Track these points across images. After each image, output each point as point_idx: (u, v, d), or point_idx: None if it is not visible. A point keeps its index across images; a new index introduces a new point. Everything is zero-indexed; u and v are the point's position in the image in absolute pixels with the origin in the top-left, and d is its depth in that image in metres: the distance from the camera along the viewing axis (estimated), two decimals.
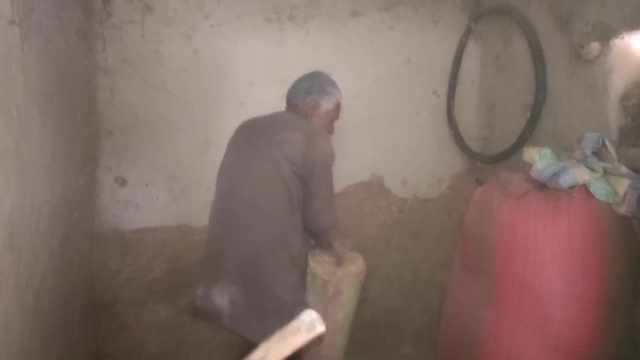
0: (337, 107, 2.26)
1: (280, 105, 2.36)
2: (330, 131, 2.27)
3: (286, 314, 1.88)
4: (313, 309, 2.16)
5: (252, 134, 2.16)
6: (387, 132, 3.29)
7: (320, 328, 1.10)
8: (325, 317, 2.23)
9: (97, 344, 2.68)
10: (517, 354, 1.88)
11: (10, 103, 1.48)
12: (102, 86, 2.78)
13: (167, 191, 2.93)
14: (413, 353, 3.19)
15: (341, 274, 2.22)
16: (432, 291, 3.23)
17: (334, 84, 2.26)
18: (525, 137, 2.60)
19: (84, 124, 2.46)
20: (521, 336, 1.88)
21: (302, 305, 2.07)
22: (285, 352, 1.11)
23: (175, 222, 2.92)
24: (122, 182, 2.85)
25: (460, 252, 2.28)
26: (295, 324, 1.12)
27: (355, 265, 2.31)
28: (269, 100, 2.63)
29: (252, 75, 3.01)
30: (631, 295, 1.91)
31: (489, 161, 2.99)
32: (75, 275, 2.24)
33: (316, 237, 2.21)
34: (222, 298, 1.95)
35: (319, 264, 2.22)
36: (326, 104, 2.21)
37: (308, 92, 2.20)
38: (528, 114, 2.60)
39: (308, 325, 1.10)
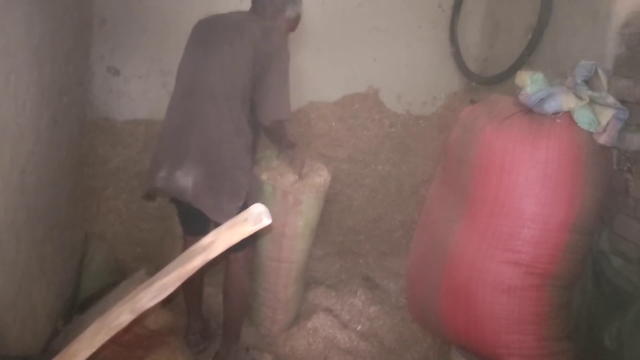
0: (298, 18, 2.37)
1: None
2: None
3: (240, 195, 2.10)
4: (274, 216, 2.31)
5: (210, 28, 2.25)
6: (388, 45, 3.24)
7: (266, 221, 1.17)
8: (285, 224, 2.40)
9: (86, 225, 2.80)
10: (479, 266, 1.98)
11: None
12: None
13: (161, 85, 2.93)
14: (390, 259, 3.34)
15: (301, 186, 2.31)
16: (414, 205, 3.32)
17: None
18: (523, 61, 2.57)
19: (75, 9, 2.41)
20: (485, 250, 1.97)
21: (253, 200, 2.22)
22: (233, 239, 1.18)
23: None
24: (114, 71, 2.84)
25: (441, 167, 2.33)
26: (243, 214, 1.18)
27: (318, 178, 2.40)
28: None
29: None
30: (596, 222, 1.99)
31: (484, 82, 2.97)
32: (63, 158, 2.29)
33: (270, 133, 2.31)
34: (186, 179, 2.10)
35: (280, 175, 2.33)
36: (290, 11, 2.31)
37: None
38: (529, 36, 2.54)
39: (255, 217, 1.17)
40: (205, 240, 1.18)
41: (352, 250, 3.33)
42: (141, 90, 2.89)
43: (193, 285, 2.46)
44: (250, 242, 2.31)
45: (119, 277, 2.60)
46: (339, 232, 3.33)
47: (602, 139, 1.89)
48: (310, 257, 2.72)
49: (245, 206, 2.13)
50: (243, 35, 2.13)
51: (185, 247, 2.38)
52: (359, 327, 2.70)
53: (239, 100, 2.13)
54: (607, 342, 1.90)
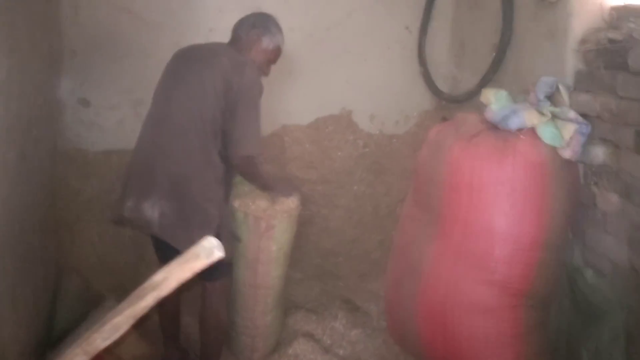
0: (277, 50, 2.34)
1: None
2: (266, 73, 2.36)
3: (211, 226, 2.08)
4: (246, 242, 2.32)
5: (185, 59, 2.26)
6: (359, 66, 3.28)
7: (218, 254, 1.17)
8: (258, 249, 2.40)
9: (61, 258, 2.75)
10: (454, 286, 1.99)
11: None
12: (65, 3, 2.70)
13: (133, 115, 2.91)
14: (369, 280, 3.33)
15: (273, 211, 2.32)
16: (391, 224, 3.32)
17: (278, 28, 2.35)
18: (489, 78, 2.62)
19: (45, 42, 2.41)
20: (460, 270, 1.98)
21: (230, 236, 2.24)
22: (184, 275, 1.18)
23: None
24: (85, 103, 2.83)
25: (412, 187, 2.36)
26: (195, 249, 1.18)
27: (290, 202, 2.41)
28: None
29: (222, 1, 2.95)
30: (567, 238, 2.01)
31: (453, 100, 3.02)
32: (34, 192, 2.26)
33: (241, 171, 2.30)
34: (152, 210, 2.09)
35: (251, 201, 2.34)
36: (267, 42, 2.29)
37: (253, 25, 2.30)
38: (493, 55, 2.60)
39: (207, 251, 1.17)
40: (157, 277, 1.17)
41: (331, 273, 3.33)
42: (113, 120, 2.88)
43: (169, 314, 2.44)
44: (228, 271, 2.30)
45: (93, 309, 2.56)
46: (317, 255, 3.33)
47: (567, 154, 1.93)
48: (288, 281, 2.71)
49: (217, 237, 2.16)
50: (213, 67, 2.14)
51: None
52: (341, 352, 2.68)
53: (209, 133, 2.12)
54: (586, 358, 1.90)
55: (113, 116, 2.88)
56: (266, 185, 2.39)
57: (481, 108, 2.20)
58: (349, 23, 3.20)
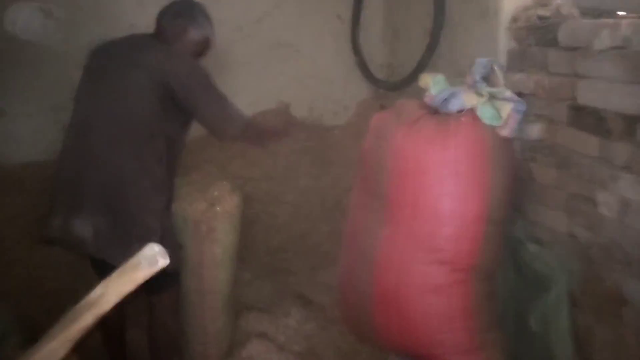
0: (205, 42, 2.19)
1: None
2: None
3: (153, 239, 1.88)
4: (188, 247, 2.23)
5: (105, 57, 2.08)
6: (292, 58, 3.23)
7: (162, 262, 1.08)
8: (202, 254, 2.31)
9: None
10: (406, 269, 1.99)
11: None
12: None
13: (53, 122, 2.71)
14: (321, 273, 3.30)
15: (212, 213, 2.24)
16: (339, 215, 3.30)
17: (207, 17, 2.18)
18: (425, 63, 2.63)
19: None
20: (410, 253, 1.98)
21: (176, 245, 2.12)
22: (126, 288, 1.08)
23: None
24: (0, 112, 2.61)
25: (358, 176, 2.33)
26: (135, 258, 1.08)
27: (229, 201, 2.32)
28: None
29: None
30: (509, 212, 2.05)
31: (391, 88, 3.02)
32: None
33: (244, 142, 2.31)
34: (84, 228, 1.93)
35: (189, 204, 2.24)
36: (193, 33, 2.13)
37: (177, 15, 2.13)
38: (427, 40, 2.61)
39: (150, 259, 1.07)
40: (94, 293, 1.06)
41: (281, 269, 3.26)
42: (30, 130, 2.67)
43: (112, 331, 2.28)
44: (175, 282, 2.17)
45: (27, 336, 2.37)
46: (266, 253, 3.26)
47: (505, 132, 1.96)
48: (237, 282, 2.62)
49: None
50: (138, 65, 1.97)
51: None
52: (297, 348, 2.64)
53: (142, 137, 1.96)
54: (534, 325, 1.96)
55: (30, 125, 2.68)
56: (274, 136, 2.39)
57: (420, 93, 2.19)
58: (278, 14, 3.13)
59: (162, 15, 2.16)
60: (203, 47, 2.18)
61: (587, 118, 1.74)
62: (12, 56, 2.60)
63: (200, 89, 2.00)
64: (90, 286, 2.66)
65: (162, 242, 1.96)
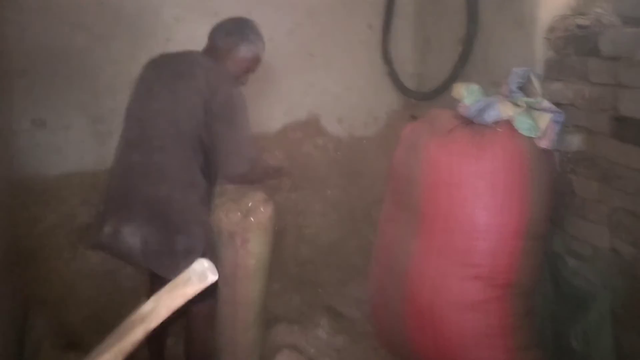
0: (255, 59, 2.19)
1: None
2: (243, 82, 2.22)
3: (198, 250, 1.94)
4: (223, 259, 2.23)
5: (157, 71, 2.10)
6: (323, 69, 3.23)
7: (212, 277, 1.07)
8: (236, 265, 2.30)
9: (26, 291, 2.59)
10: (440, 283, 1.96)
11: None
12: (11, 21, 2.54)
13: (92, 134, 2.79)
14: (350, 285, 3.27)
15: (247, 224, 2.23)
16: (368, 227, 3.28)
17: (258, 35, 2.19)
18: (457, 73, 2.61)
19: None
20: (444, 267, 1.95)
21: (216, 256, 2.10)
22: (176, 303, 1.08)
23: (103, 166, 2.78)
24: (40, 123, 2.68)
25: (389, 188, 2.31)
26: (186, 274, 1.08)
27: (263, 212, 2.31)
28: (197, 36, 2.47)
29: (178, 9, 2.85)
30: (548, 226, 2.00)
31: (423, 98, 2.99)
32: None
33: (246, 183, 2.24)
34: (133, 238, 1.94)
35: (224, 215, 2.24)
36: (244, 51, 2.14)
37: (229, 33, 2.14)
38: (460, 49, 2.59)
39: (199, 274, 1.07)
40: (145, 308, 1.07)
41: (310, 281, 3.24)
42: (70, 141, 2.73)
43: (156, 336, 2.30)
44: (213, 293, 2.17)
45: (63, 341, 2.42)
46: (295, 264, 3.24)
47: (543, 143, 1.92)
48: (267, 293, 2.62)
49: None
50: (187, 80, 1.99)
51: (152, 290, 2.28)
52: None
53: (189, 150, 1.98)
54: (574, 343, 1.90)
55: (69, 136, 2.74)
56: (273, 175, 2.39)
57: (452, 103, 2.17)
58: (309, 25, 3.14)
59: (215, 33, 2.17)
60: (253, 63, 2.20)
61: (631, 129, 1.69)
62: (52, 69, 2.67)
63: (227, 121, 2.00)
64: (126, 295, 2.72)
65: (205, 253, 2.00)
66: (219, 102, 1.97)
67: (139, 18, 2.79)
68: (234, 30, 2.14)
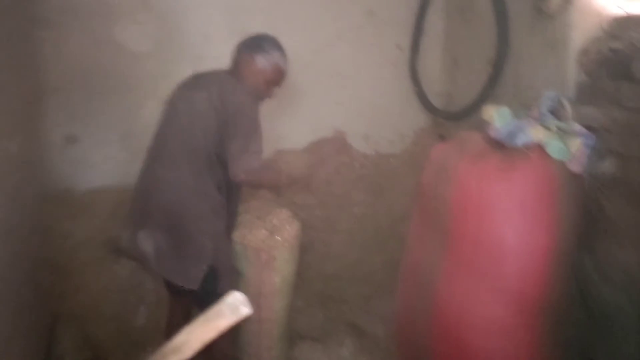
0: (276, 70, 2.22)
1: None
2: (267, 95, 2.26)
3: (205, 260, 2.05)
4: (248, 275, 2.24)
5: (181, 90, 2.21)
6: (350, 88, 3.25)
7: (245, 310, 1.08)
8: (261, 282, 2.31)
9: (55, 304, 2.64)
10: (468, 305, 1.93)
11: None
12: (46, 39, 2.62)
13: (123, 149, 2.84)
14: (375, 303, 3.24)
15: (272, 242, 2.25)
16: (394, 244, 3.25)
17: (275, 46, 2.22)
18: (487, 94, 2.59)
19: (25, 80, 2.32)
20: (473, 290, 1.93)
21: (230, 270, 2.18)
22: (208, 336, 1.09)
23: (133, 182, 2.84)
24: (72, 140, 2.74)
25: (417, 207, 2.30)
26: (218, 306, 1.09)
27: (289, 230, 2.32)
28: (227, 54, 2.52)
29: (208, 28, 2.90)
30: (578, 247, 1.96)
31: (451, 118, 2.98)
32: (24, 236, 2.16)
33: (252, 186, 2.27)
34: (147, 243, 2.07)
35: (249, 232, 2.26)
36: (261, 62, 2.17)
37: (246, 47, 2.21)
38: (490, 70, 2.57)
39: (232, 307, 1.08)
40: (178, 339, 1.08)
41: (334, 298, 3.23)
42: (102, 156, 2.79)
43: None
44: None
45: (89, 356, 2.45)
46: (319, 280, 3.24)
47: (574, 167, 1.89)
48: (291, 310, 2.62)
49: (214, 270, 2.08)
50: (201, 97, 2.08)
51: (171, 308, 2.36)
52: None
53: (202, 163, 2.07)
54: None
55: (101, 152, 2.80)
56: (276, 188, 2.35)
57: (480, 124, 2.15)
58: (337, 44, 3.17)
59: (235, 49, 2.25)
60: (274, 75, 2.21)
61: None
62: (85, 87, 2.73)
63: (236, 122, 2.04)
64: (151, 310, 2.74)
65: (216, 264, 2.03)
66: (230, 110, 2.03)
67: (170, 37, 2.86)
68: (250, 44, 2.21)
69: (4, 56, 2.09)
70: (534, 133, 1.90)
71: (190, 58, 2.84)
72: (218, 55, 2.58)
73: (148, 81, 2.82)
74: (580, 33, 2.02)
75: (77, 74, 2.71)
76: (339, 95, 3.23)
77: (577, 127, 1.92)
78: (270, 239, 2.31)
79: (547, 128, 1.93)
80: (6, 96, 2.09)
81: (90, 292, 2.70)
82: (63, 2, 2.61)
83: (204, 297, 2.18)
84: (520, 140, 1.91)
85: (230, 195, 2.18)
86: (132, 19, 2.75)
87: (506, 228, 1.88)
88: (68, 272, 2.69)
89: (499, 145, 2.01)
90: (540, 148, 1.90)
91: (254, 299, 2.32)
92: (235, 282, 2.21)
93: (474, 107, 2.67)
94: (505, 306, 1.87)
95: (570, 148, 1.89)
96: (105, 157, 2.80)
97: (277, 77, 2.24)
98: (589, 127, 1.93)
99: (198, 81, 2.20)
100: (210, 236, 2.08)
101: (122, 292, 2.75)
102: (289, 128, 3.19)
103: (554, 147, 1.88)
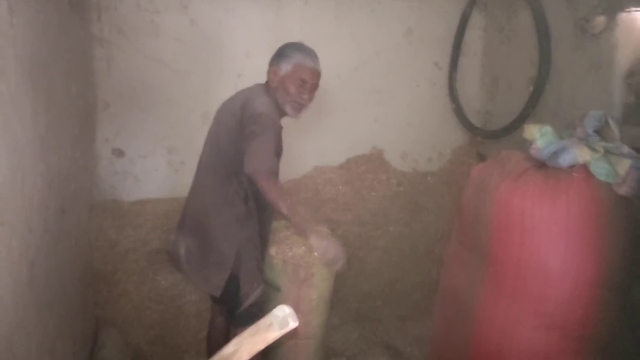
0: (300, 69, 2.12)
1: None
2: (301, 99, 2.16)
3: (226, 267, 2.08)
4: (285, 291, 2.24)
5: (223, 106, 2.27)
6: (388, 105, 3.26)
7: (292, 324, 1.09)
8: (298, 298, 2.31)
9: (97, 311, 2.72)
10: (510, 331, 1.89)
11: (0, 78, 1.45)
12: (98, 57, 2.74)
13: (166, 163, 2.93)
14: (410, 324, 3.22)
15: (311, 259, 2.25)
16: (431, 264, 3.24)
17: (298, 48, 2.17)
18: (528, 112, 2.56)
19: (80, 95, 2.43)
20: (515, 314, 1.89)
21: (253, 278, 2.16)
22: (257, 348, 1.10)
23: (175, 194, 2.91)
24: (119, 153, 2.84)
25: (457, 228, 2.28)
26: (267, 319, 1.11)
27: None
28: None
29: (250, 45, 2.97)
30: (628, 276, 1.90)
31: (490, 136, 2.96)
32: (72, 246, 2.24)
33: (256, 187, 2.10)
34: (181, 247, 2.18)
35: (289, 248, 2.27)
36: (284, 67, 2.13)
37: (272, 58, 2.22)
38: (531, 89, 2.55)
39: (281, 320, 1.10)
40: (227, 350, 1.10)
41: (370, 317, 3.22)
42: (147, 169, 2.89)
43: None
44: (259, 317, 2.20)
45: None
46: (355, 298, 3.23)
47: (623, 190, 1.84)
48: (326, 327, 2.61)
49: (236, 279, 2.10)
50: (228, 110, 2.17)
51: (212, 314, 2.40)
52: None
53: (226, 173, 2.11)
54: None
55: (147, 165, 2.89)
56: (275, 207, 2.13)
57: (520, 143, 2.13)
58: (376, 62, 3.20)
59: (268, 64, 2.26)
60: (300, 74, 2.13)
61: None
62: (133, 102, 2.83)
63: (255, 126, 2.00)
64: (189, 319, 2.78)
65: (237, 271, 2.07)
66: (247, 115, 2.04)
67: (214, 54, 2.94)
68: (275, 54, 2.23)
69: (67, 71, 2.19)
70: (580, 153, 1.86)
71: (231, 76, 2.92)
72: (258, 72, 2.64)
73: (191, 97, 2.91)
74: (626, 53, 2.00)
75: (125, 90, 2.81)
76: (377, 113, 3.25)
77: (626, 148, 1.88)
78: (308, 256, 2.32)
79: (593, 149, 1.89)
80: (67, 112, 2.20)
81: (132, 301, 2.77)
82: (116, 21, 2.73)
83: (230, 304, 2.22)
84: (565, 160, 1.87)
85: (259, 206, 2.17)
86: (178, 38, 2.85)
87: (550, 252, 1.84)
88: (112, 281, 2.76)
89: (541, 165, 1.98)
90: (585, 169, 1.86)
91: None
92: (258, 292, 2.19)
93: (514, 126, 2.65)
94: (549, 331, 1.83)
95: (618, 170, 1.84)
96: (150, 170, 2.89)
97: (304, 76, 2.13)
98: (637, 149, 1.89)
99: (235, 95, 2.28)
100: (231, 244, 2.10)
101: (162, 301, 2.81)
102: (327, 145, 3.22)
103: (601, 169, 1.84)
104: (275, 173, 2.08)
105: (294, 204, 2.16)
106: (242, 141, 2.03)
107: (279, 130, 2.11)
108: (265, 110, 2.05)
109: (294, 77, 2.13)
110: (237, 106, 2.11)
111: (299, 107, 2.18)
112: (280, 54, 2.19)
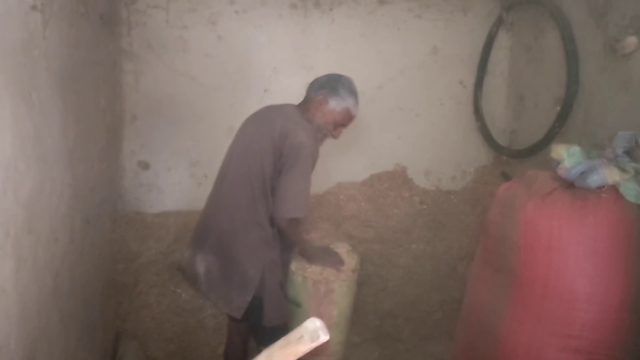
0: (346, 113, 2.19)
1: (304, 94, 2.32)
2: (334, 135, 2.24)
3: (249, 288, 2.06)
4: (306, 307, 2.23)
5: (250, 121, 2.26)
6: (412, 123, 3.26)
7: (324, 337, 1.08)
8: (318, 315, 2.27)
9: (118, 323, 2.74)
10: (536, 353, 1.85)
11: (32, 89, 1.49)
12: (127, 71, 2.80)
13: (190, 176, 2.96)
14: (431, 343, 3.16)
15: (331, 274, 2.25)
16: (453, 283, 3.18)
17: (350, 91, 2.20)
18: (555, 132, 2.53)
19: (108, 108, 2.48)
20: (541, 336, 1.84)
21: (279, 301, 2.16)
22: None
23: (197, 207, 2.90)
24: (145, 166, 2.88)
25: (481, 247, 2.24)
26: (298, 331, 1.10)
27: (347, 264, 2.33)
28: (293, 87, 2.62)
29: (276, 62, 3.00)
30: None
31: (515, 155, 2.92)
32: (96, 256, 2.27)
33: (284, 233, 2.17)
34: (200, 265, 2.14)
35: (309, 264, 2.27)
36: (333, 104, 2.16)
37: (321, 86, 2.20)
38: (558, 108, 2.52)
39: (311, 333, 1.08)
40: None
41: (390, 335, 3.16)
42: (171, 182, 2.92)
43: None
44: (282, 333, 2.19)
45: None
46: (375, 317, 3.19)
47: None
48: (347, 344, 2.58)
49: (260, 301, 2.08)
50: (264, 130, 2.12)
51: (229, 333, 2.40)
52: None
53: (258, 193, 2.09)
54: None
55: (171, 177, 2.92)
56: (305, 252, 2.29)
57: (546, 163, 2.09)
58: (401, 80, 3.20)
59: (310, 85, 2.25)
60: (343, 117, 2.19)
61: None
62: (158, 116, 2.88)
63: (292, 164, 2.04)
64: (209, 333, 2.77)
65: (262, 295, 2.05)
66: (288, 145, 2.05)
67: (241, 69, 2.97)
68: (326, 85, 2.20)
69: (95, 85, 2.24)
70: (609, 174, 1.83)
71: (257, 91, 2.95)
72: (284, 88, 2.68)
73: (217, 112, 2.95)
74: None
75: (152, 104, 2.87)
76: (401, 130, 3.24)
77: None
78: (329, 271, 2.31)
79: (622, 169, 1.85)
80: (96, 124, 2.25)
81: (153, 313, 2.78)
82: (145, 36, 2.79)
83: (252, 326, 2.21)
84: (594, 181, 1.83)
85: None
86: (205, 53, 2.89)
87: (578, 273, 1.80)
88: (133, 293, 2.78)
89: (569, 186, 1.94)
90: (614, 190, 1.83)
91: None
92: (286, 313, 2.20)
93: (541, 146, 2.61)
94: (575, 354, 1.79)
95: None
96: (173, 183, 2.93)
97: (346, 122, 2.22)
98: None
99: (266, 113, 2.25)
100: (257, 265, 2.08)
101: (182, 314, 2.81)
102: (350, 161, 3.22)
103: (631, 190, 1.81)
104: (305, 209, 2.12)
105: (306, 244, 2.30)
106: (279, 168, 2.06)
107: (316, 159, 2.15)
108: (308, 142, 2.07)
109: (339, 120, 2.19)
110: (276, 129, 2.07)
111: (325, 139, 2.25)
112: (334, 91, 2.18)
